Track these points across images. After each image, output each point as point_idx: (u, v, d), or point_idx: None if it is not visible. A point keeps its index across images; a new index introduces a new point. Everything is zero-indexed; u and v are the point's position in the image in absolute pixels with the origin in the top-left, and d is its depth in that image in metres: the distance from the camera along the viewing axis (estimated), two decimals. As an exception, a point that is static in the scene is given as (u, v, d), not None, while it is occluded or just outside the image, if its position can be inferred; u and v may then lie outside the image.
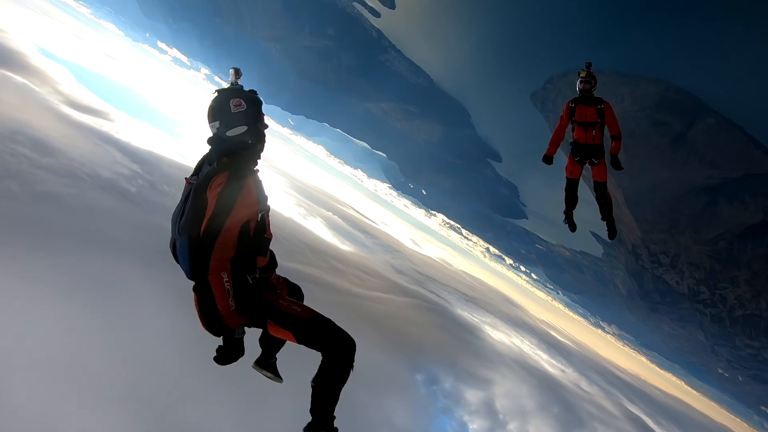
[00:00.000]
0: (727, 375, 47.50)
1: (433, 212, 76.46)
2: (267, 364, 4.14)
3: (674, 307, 41.86)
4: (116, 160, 14.00)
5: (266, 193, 3.53)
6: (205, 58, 69.26)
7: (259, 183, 3.46)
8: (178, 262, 3.43)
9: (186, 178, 3.54)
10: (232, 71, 3.55)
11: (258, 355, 4.18)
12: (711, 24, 25.22)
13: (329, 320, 3.42)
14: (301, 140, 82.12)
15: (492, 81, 42.01)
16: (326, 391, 3.36)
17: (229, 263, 3.10)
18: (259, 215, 3.40)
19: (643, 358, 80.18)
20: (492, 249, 74.79)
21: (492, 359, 33.10)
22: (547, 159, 8.47)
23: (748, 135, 28.36)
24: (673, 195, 33.85)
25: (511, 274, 79.96)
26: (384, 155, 70.11)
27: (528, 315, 67.56)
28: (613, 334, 72.99)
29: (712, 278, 35.29)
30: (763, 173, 28.93)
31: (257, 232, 3.43)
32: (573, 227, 9.30)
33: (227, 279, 3.06)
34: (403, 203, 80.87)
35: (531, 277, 75.48)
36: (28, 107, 13.47)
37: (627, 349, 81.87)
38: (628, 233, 41.13)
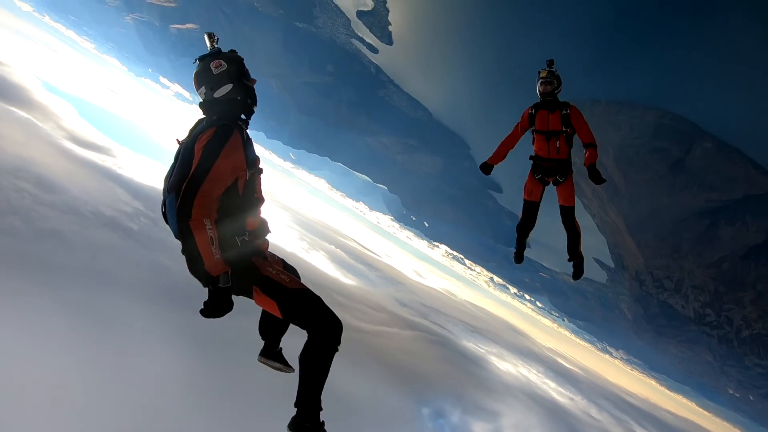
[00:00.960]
0: (738, 395, 46.85)
1: (436, 243, 76.26)
2: (272, 353, 4.07)
3: (681, 330, 41.45)
4: (118, 197, 14.08)
5: (256, 153, 3.58)
6: (207, 94, 69.51)
7: (248, 140, 3.53)
8: (167, 222, 3.40)
9: (177, 139, 3.58)
10: (206, 36, 3.64)
11: (261, 350, 4.08)
12: (704, 49, 25.55)
13: (318, 297, 3.36)
14: (303, 174, 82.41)
15: (490, 113, 42.38)
16: (311, 373, 3.27)
17: (214, 213, 3.07)
18: (248, 173, 3.41)
19: (653, 381, 78.58)
20: (496, 278, 74.35)
21: (499, 390, 32.72)
22: (485, 168, 7.51)
23: (747, 157, 28.42)
24: (674, 220, 33.86)
25: (516, 302, 79.36)
26: (385, 188, 70.40)
27: (534, 343, 66.95)
28: (621, 359, 71.97)
29: (717, 300, 34.98)
30: (763, 193, 28.95)
31: (246, 191, 3.43)
32: (520, 258, 8.06)
33: (210, 227, 2.98)
34: (406, 235, 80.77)
35: (536, 305, 74.88)
36: (32, 143, 13.58)
37: (636, 373, 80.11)
38: (630, 259, 41.03)
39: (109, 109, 52.48)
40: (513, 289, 74.13)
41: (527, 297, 73.35)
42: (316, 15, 49.96)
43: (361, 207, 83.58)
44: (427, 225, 71.46)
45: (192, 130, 3.51)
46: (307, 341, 3.27)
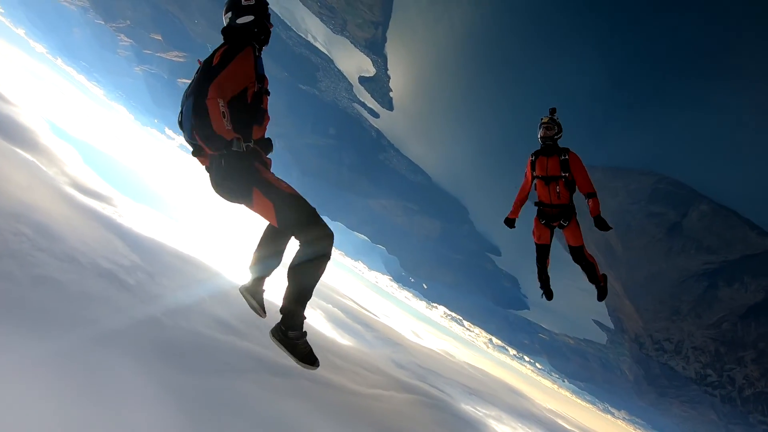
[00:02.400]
0: (744, 453, 45.52)
1: (435, 305, 75.85)
2: (255, 291, 4.16)
3: (683, 390, 40.74)
4: (117, 249, 14.03)
5: (265, 72, 3.92)
6: (211, 149, 70.52)
7: (259, 58, 3.89)
8: (183, 129, 3.81)
9: (199, 60, 3.89)
10: None
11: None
12: (697, 115, 26.36)
13: (313, 208, 3.51)
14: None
15: (488, 178, 43.22)
16: (300, 281, 3.44)
17: (225, 101, 3.41)
18: (257, 86, 3.77)
19: (657, 441, 75.89)
20: (495, 340, 73.51)
21: (497, 455, 31.76)
22: (508, 222, 7.74)
23: (743, 218, 29.05)
24: (673, 282, 33.96)
25: (515, 363, 78.02)
26: (384, 249, 70.54)
27: (534, 405, 65.32)
28: (624, 419, 70.04)
29: (718, 361, 34.64)
30: (761, 253, 29.37)
31: (254, 101, 3.77)
32: (549, 295, 8.15)
33: (223, 105, 3.32)
34: (404, 295, 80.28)
35: (536, 367, 73.68)
36: (35, 187, 13.65)
37: (639, 433, 77.54)
38: (629, 323, 40.85)
39: (113, 156, 53.16)
40: (512, 351, 73.16)
41: (526, 358, 72.36)
42: (320, 79, 51.54)
43: (360, 266, 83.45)
44: (425, 287, 71.25)
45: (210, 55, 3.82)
46: (298, 250, 3.45)
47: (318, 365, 3.70)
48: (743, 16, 22.52)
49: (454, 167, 47.84)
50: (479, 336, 78.58)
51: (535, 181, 7.34)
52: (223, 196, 3.76)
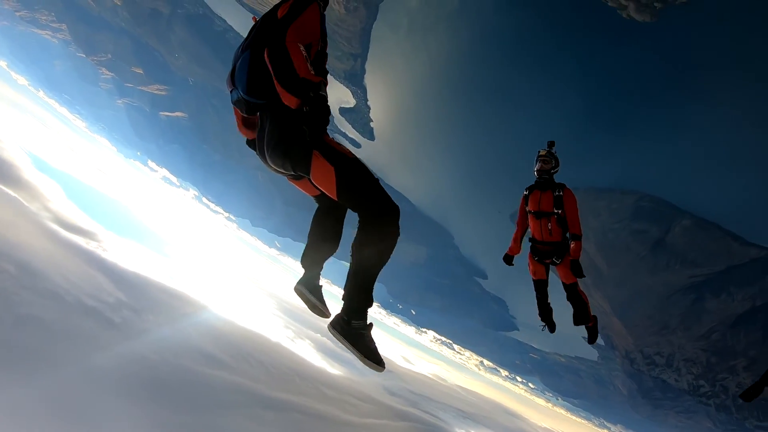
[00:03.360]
0: (743, 459, 45.43)
1: (424, 330, 75.49)
2: (312, 287, 3.78)
3: (678, 401, 40.74)
4: (101, 285, 13.84)
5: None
6: (194, 179, 70.66)
7: (323, 17, 3.45)
8: (234, 86, 3.42)
9: (253, 17, 3.59)
10: None
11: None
12: (675, 133, 27.10)
13: (376, 178, 3.14)
14: (288, 261, 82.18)
15: (472, 204, 43.70)
16: (365, 261, 3.04)
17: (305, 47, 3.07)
18: (320, 44, 3.36)
19: (655, 452, 75.30)
20: (486, 362, 73.21)
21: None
22: (507, 259, 7.52)
23: (725, 230, 29.48)
24: (660, 297, 34.26)
25: (508, 384, 77.62)
26: (380, 284, 70.39)
27: (529, 424, 65.00)
28: (620, 433, 69.76)
29: (710, 371, 34.79)
30: (745, 263, 29.72)
31: (317, 60, 3.35)
32: (552, 328, 7.93)
33: (303, 50, 2.98)
34: (393, 321, 79.85)
35: (529, 386, 73.40)
36: (18, 224, 13.50)
37: (636, 445, 76.84)
38: (619, 340, 40.99)
39: (97, 189, 52.76)
40: (504, 372, 72.86)
41: (519, 379, 72.10)
42: (300, 110, 52.05)
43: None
44: (414, 312, 71.02)
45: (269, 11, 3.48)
46: (361, 226, 3.05)
47: (384, 367, 3.10)
48: (711, 39, 23.32)
49: (437, 193, 48.32)
50: (470, 359, 78.22)
51: (528, 214, 7.17)
52: (274, 162, 3.31)
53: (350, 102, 46.57)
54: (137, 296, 15.38)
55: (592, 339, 7.65)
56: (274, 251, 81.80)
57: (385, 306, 76.27)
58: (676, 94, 25.65)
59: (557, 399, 70.06)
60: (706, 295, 32.00)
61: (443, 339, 75.39)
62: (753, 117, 23.62)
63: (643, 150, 28.97)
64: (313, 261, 3.80)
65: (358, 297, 3.01)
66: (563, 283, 7.19)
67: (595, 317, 7.46)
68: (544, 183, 6.97)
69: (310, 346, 35.78)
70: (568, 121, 31.06)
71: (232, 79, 3.44)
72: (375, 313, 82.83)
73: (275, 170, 3.47)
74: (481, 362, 75.52)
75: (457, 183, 43.61)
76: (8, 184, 17.61)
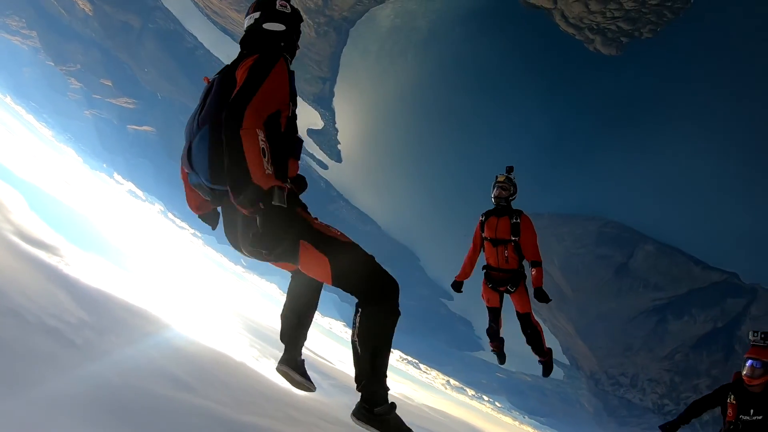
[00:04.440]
0: (711, 475, 46.20)
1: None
2: (294, 363, 3.56)
3: (643, 419, 41.22)
4: (62, 304, 13.41)
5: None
6: (160, 194, 69.52)
7: (292, 73, 3.08)
8: (192, 169, 3.01)
9: (206, 78, 3.28)
10: None
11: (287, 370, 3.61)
12: (637, 162, 27.92)
13: (372, 256, 2.89)
14: (254, 278, 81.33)
15: (437, 226, 44.13)
16: (373, 347, 2.75)
17: (265, 133, 2.59)
18: (291, 108, 3.00)
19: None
20: (452, 381, 73.28)
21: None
22: (455, 285, 7.25)
23: (687, 254, 30.53)
24: (624, 320, 34.87)
25: (475, 402, 77.61)
26: (337, 296, 70.22)
27: (497, 443, 65.00)
28: (587, 450, 70.36)
29: (674, 390, 35.39)
30: (706, 286, 30.83)
31: (288, 128, 2.98)
32: (502, 359, 7.98)
33: (263, 139, 2.53)
34: (358, 341, 79.53)
35: (495, 405, 73.58)
36: None
37: (604, 462, 77.26)
38: (584, 361, 41.53)
39: (61, 200, 51.48)
40: (470, 391, 73.03)
41: (485, 398, 72.27)
42: (268, 131, 52.16)
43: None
44: (380, 333, 70.87)
45: (226, 67, 3.12)
46: (361, 311, 2.76)
47: None
48: (673, 72, 24.25)
49: (403, 216, 48.69)
50: (436, 378, 78.15)
51: (483, 242, 6.98)
52: (253, 256, 2.96)
53: (318, 124, 46.60)
54: (99, 315, 14.93)
55: (546, 372, 7.56)
56: (239, 268, 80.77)
57: (350, 325, 75.90)
58: (639, 123, 26.57)
59: (524, 417, 70.44)
60: (668, 318, 32.80)
61: (409, 358, 75.23)
62: (711, 146, 24.60)
63: (606, 177, 29.77)
64: (294, 337, 3.63)
65: (376, 384, 2.77)
66: (517, 313, 7.07)
67: (550, 350, 7.43)
68: (502, 209, 6.82)
69: (275, 365, 35.24)
70: (534, 148, 31.70)
71: (189, 158, 3.04)
72: (340, 332, 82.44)
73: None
74: (448, 381, 75.50)
75: (423, 206, 44.15)
76: (-33, 195, 17.21)
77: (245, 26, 3.32)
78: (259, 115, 2.58)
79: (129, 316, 18.43)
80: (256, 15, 3.25)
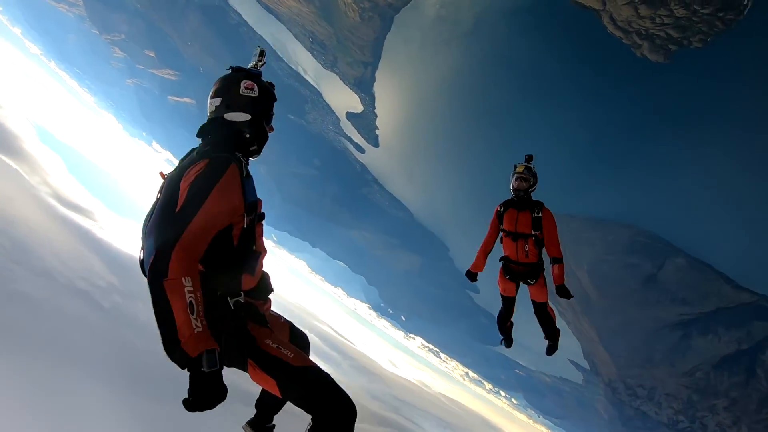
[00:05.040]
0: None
1: (412, 336, 75.53)
2: (262, 428, 3.45)
3: (657, 432, 40.81)
4: (94, 268, 13.70)
5: (257, 195, 2.96)
6: (197, 166, 70.32)
7: (248, 177, 2.87)
8: (144, 273, 2.54)
9: (161, 173, 2.92)
10: (257, 50, 3.12)
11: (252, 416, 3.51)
12: (676, 170, 27.22)
13: (326, 375, 2.73)
14: (283, 254, 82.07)
15: (469, 218, 43.72)
16: None
17: (196, 270, 2.35)
18: (246, 220, 2.77)
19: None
20: (471, 373, 73.15)
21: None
22: (470, 275, 7.15)
23: (718, 271, 29.50)
24: (647, 331, 34.33)
25: (491, 396, 77.41)
26: (364, 279, 70.47)
27: (509, 439, 64.89)
28: (599, 456, 69.79)
29: (690, 408, 34.72)
30: (735, 306, 29.78)
31: (242, 241, 2.78)
32: (509, 342, 7.85)
33: (191, 288, 2.26)
34: (383, 324, 79.82)
35: (511, 401, 73.33)
36: (17, 197, 13.43)
37: (615, 468, 76.38)
38: (603, 368, 41.09)
39: (99, 165, 52.54)
40: (488, 385, 72.81)
41: (502, 393, 72.03)
42: (308, 111, 52.26)
43: (339, 292, 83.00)
44: (404, 319, 71.06)
45: (182, 161, 2.87)
46: (311, 428, 2.64)
47: None
48: (723, 85, 23.50)
49: (435, 205, 48.66)
50: (456, 369, 78.14)
51: (501, 234, 6.74)
52: None
53: (358, 108, 46.83)
54: (129, 280, 15.13)
55: (550, 351, 7.34)
56: (270, 243, 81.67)
57: (375, 309, 76.27)
58: (683, 135, 25.72)
59: (539, 416, 70.10)
60: (693, 334, 32.06)
61: (431, 346, 75.36)
62: (757, 166, 23.80)
63: (644, 185, 29.06)
64: (270, 407, 3.53)
65: None
66: (533, 302, 6.94)
67: (559, 330, 7.26)
68: (521, 202, 6.50)
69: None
70: (571, 148, 31.24)
71: (142, 264, 2.70)
72: (365, 314, 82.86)
73: None
74: (467, 373, 75.43)
75: (456, 197, 43.82)
76: (10, 155, 17.59)
77: (207, 110, 3.05)
78: (189, 257, 2.33)
79: (159, 282, 18.62)
80: (217, 102, 2.98)
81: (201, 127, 2.97)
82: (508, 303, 7.20)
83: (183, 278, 2.23)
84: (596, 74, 28.00)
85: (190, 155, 2.84)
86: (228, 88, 2.94)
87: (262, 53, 3.11)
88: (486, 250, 7.00)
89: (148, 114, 65.78)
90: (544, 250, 6.60)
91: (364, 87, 44.00)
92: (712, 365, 32.17)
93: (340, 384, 2.73)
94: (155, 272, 2.24)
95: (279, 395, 2.70)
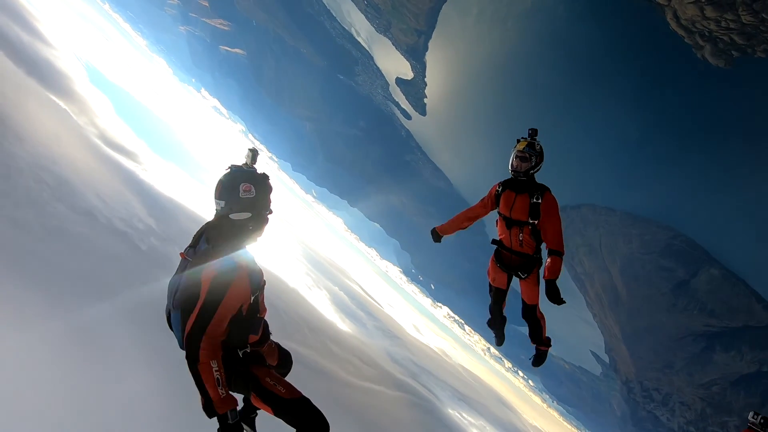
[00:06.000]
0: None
1: (439, 304, 76.17)
2: (246, 416, 3.92)
3: (666, 436, 40.67)
4: (134, 210, 13.94)
5: (260, 271, 3.53)
6: (243, 115, 72.05)
7: (253, 269, 3.43)
8: (172, 330, 3.50)
9: (182, 253, 3.53)
10: (249, 153, 3.55)
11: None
12: (724, 181, 26.34)
13: (309, 401, 3.44)
14: (321, 209, 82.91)
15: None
16: None
17: (219, 350, 3.14)
18: (252, 298, 3.40)
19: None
20: (492, 350, 73.61)
21: (475, 467, 31.75)
22: (434, 234, 6.19)
23: (751, 288, 28.85)
24: (671, 337, 33.99)
25: (509, 375, 78.04)
26: (398, 243, 70.95)
27: (521, 419, 65.00)
28: (608, 450, 70.18)
29: (702, 420, 34.57)
30: (763, 326, 29.23)
31: (250, 312, 3.43)
32: (501, 340, 6.93)
33: (217, 368, 3.06)
34: (412, 289, 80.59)
35: (528, 383, 73.76)
36: (63, 137, 13.69)
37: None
38: (622, 365, 40.97)
39: (148, 107, 53.54)
40: (508, 363, 73.37)
41: (521, 373, 72.48)
42: (358, 72, 52.40)
43: (372, 253, 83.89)
44: (433, 287, 71.54)
45: (197, 240, 3.53)
46: None
47: None
48: None
49: (476, 179, 48.10)
50: (478, 342, 78.73)
51: (498, 217, 5.81)
52: None
53: (408, 75, 46.68)
54: (167, 223, 15.40)
55: (537, 362, 6.46)
56: (309, 198, 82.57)
57: (406, 273, 77.01)
58: (734, 144, 24.83)
59: (552, 402, 70.43)
60: (716, 347, 31.68)
61: (456, 317, 75.94)
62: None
63: (688, 189, 28.32)
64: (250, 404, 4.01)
65: None
66: (523, 301, 6.01)
67: (549, 339, 6.38)
68: (522, 184, 5.54)
69: (325, 297, 36.05)
70: (620, 141, 30.64)
71: (169, 323, 3.54)
72: (395, 277, 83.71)
73: None
74: (488, 348, 76.01)
75: (497, 173, 42.70)
76: (59, 95, 17.92)
77: (214, 208, 3.51)
78: (212, 343, 3.08)
79: (196, 227, 18.98)
80: (222, 203, 3.43)
81: (213, 225, 3.53)
82: (498, 296, 6.31)
83: (211, 361, 3.05)
84: (653, 70, 27.04)
85: (207, 243, 3.44)
86: (230, 193, 3.41)
87: (254, 154, 3.56)
88: (465, 218, 6.14)
89: (198, 61, 66.71)
90: (540, 246, 5.74)
91: (416, 55, 43.66)
92: (731, 381, 31.87)
93: (316, 405, 3.47)
94: (191, 358, 3.04)
95: (273, 414, 3.44)
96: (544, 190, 5.44)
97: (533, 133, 5.59)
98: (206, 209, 23.13)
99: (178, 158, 39.91)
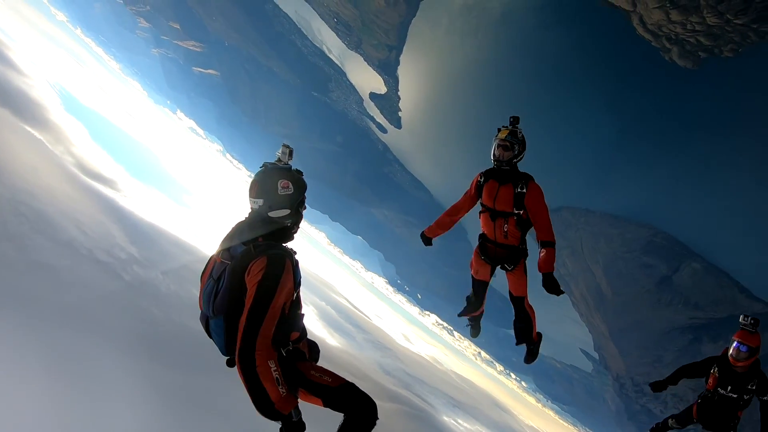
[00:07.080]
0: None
1: (427, 312, 76.17)
2: None
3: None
4: (116, 240, 13.81)
5: (299, 265, 3.50)
6: (220, 135, 71.82)
7: (296, 264, 3.42)
8: (211, 337, 3.48)
9: (216, 257, 3.49)
10: (286, 150, 3.57)
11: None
12: (700, 174, 26.88)
13: (352, 385, 3.48)
14: (303, 224, 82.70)
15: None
16: None
17: (273, 351, 3.05)
18: (295, 294, 3.42)
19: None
20: (483, 354, 73.71)
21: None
22: (423, 238, 6.36)
23: (734, 280, 29.20)
24: (658, 332, 34.36)
25: (502, 377, 78.08)
26: (382, 255, 71.01)
27: (516, 421, 65.02)
28: (605, 443, 70.40)
29: (695, 411, 34.73)
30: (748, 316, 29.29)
31: (292, 309, 3.41)
32: (477, 332, 7.29)
33: (275, 368, 3.00)
34: (399, 299, 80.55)
35: (521, 384, 73.89)
36: (40, 168, 13.58)
37: (619, 456, 76.96)
38: (612, 362, 41.34)
39: (123, 130, 53.36)
40: (499, 366, 73.45)
41: (513, 375, 72.58)
42: (332, 89, 52.63)
43: (357, 265, 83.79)
44: (420, 297, 71.61)
45: (230, 239, 3.47)
46: (343, 421, 3.39)
47: None
48: (750, 92, 22.98)
49: (455, 188, 47.78)
50: (468, 347, 78.81)
51: (480, 209, 5.79)
52: None
53: (381, 89, 46.89)
54: (149, 250, 15.33)
55: (529, 359, 6.58)
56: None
57: (392, 284, 76.97)
58: (708, 142, 25.31)
59: (547, 401, 70.61)
60: (703, 339, 32.02)
61: (445, 324, 75.98)
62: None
63: (666, 188, 28.73)
64: None
65: None
66: (510, 294, 5.95)
67: (540, 335, 6.42)
68: (505, 174, 5.46)
69: (313, 312, 35.87)
70: (595, 145, 31.05)
71: (207, 327, 3.51)
72: (382, 288, 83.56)
73: None
74: (479, 353, 76.04)
75: (476, 181, 43.60)
76: (34, 125, 17.78)
77: (250, 206, 3.52)
78: (267, 343, 3.01)
79: (179, 251, 18.90)
80: (260, 202, 3.44)
81: (249, 224, 3.49)
82: (479, 288, 6.37)
83: (269, 362, 2.98)
84: (623, 75, 27.60)
85: (245, 245, 3.34)
86: (268, 191, 3.41)
87: (290, 151, 3.61)
88: (450, 217, 6.21)
89: (172, 83, 66.42)
90: (529, 234, 5.67)
91: (388, 69, 43.95)
92: (720, 371, 32.12)
93: (362, 388, 3.50)
94: (247, 362, 2.93)
95: (323, 406, 3.45)
96: (528, 179, 5.40)
97: (515, 120, 5.54)
98: (191, 233, 23.04)
99: (157, 181, 39.74)
